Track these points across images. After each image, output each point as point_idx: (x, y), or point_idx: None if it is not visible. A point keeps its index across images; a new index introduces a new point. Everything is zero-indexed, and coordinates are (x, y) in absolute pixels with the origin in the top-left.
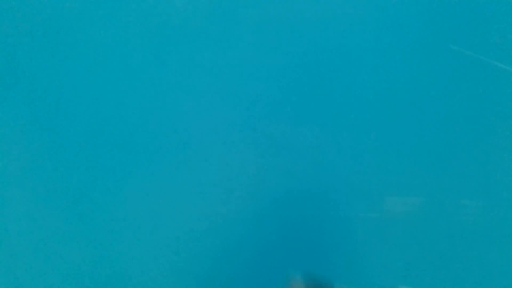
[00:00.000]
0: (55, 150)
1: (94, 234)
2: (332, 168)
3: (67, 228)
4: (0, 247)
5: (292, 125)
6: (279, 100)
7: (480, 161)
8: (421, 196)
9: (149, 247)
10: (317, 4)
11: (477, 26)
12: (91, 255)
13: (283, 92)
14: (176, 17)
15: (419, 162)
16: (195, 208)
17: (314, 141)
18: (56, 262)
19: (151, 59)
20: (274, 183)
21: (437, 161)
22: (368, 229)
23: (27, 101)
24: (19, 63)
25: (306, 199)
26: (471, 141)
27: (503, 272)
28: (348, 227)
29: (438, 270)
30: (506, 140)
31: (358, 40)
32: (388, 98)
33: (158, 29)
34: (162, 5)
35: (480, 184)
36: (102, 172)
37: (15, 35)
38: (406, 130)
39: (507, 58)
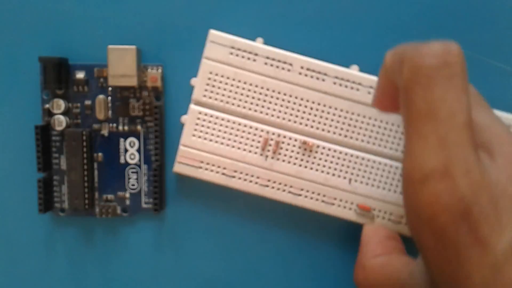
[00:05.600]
0: None
1: None
2: None
3: None
4: None
5: None
6: None
7: None
8: None
9: None
10: (316, 4)
11: (477, 26)
12: None
13: None
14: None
15: None
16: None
17: None
18: None
19: None
20: None
21: None
22: None
23: None
24: None
25: None
26: None
27: None
28: (347, 227)
29: None
30: None
31: (357, 40)
32: None
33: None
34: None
35: None
36: None
37: None
38: None
39: (507, 58)
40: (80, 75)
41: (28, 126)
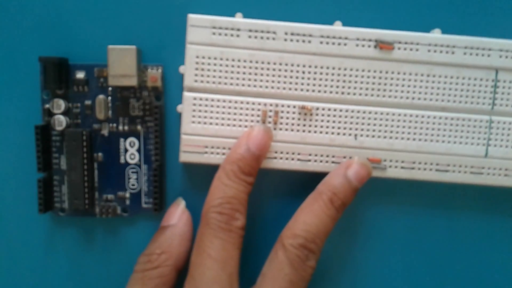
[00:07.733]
0: None
1: None
2: None
3: None
4: None
5: None
6: None
7: None
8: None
9: None
10: (317, 4)
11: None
12: None
13: None
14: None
15: None
16: None
17: None
18: None
19: None
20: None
21: None
22: (368, 228)
23: None
24: None
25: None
26: None
27: (503, 272)
28: (347, 227)
29: (438, 271)
30: None
31: None
32: None
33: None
34: None
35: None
36: None
37: None
38: None
39: None
40: (80, 75)
41: (28, 126)
